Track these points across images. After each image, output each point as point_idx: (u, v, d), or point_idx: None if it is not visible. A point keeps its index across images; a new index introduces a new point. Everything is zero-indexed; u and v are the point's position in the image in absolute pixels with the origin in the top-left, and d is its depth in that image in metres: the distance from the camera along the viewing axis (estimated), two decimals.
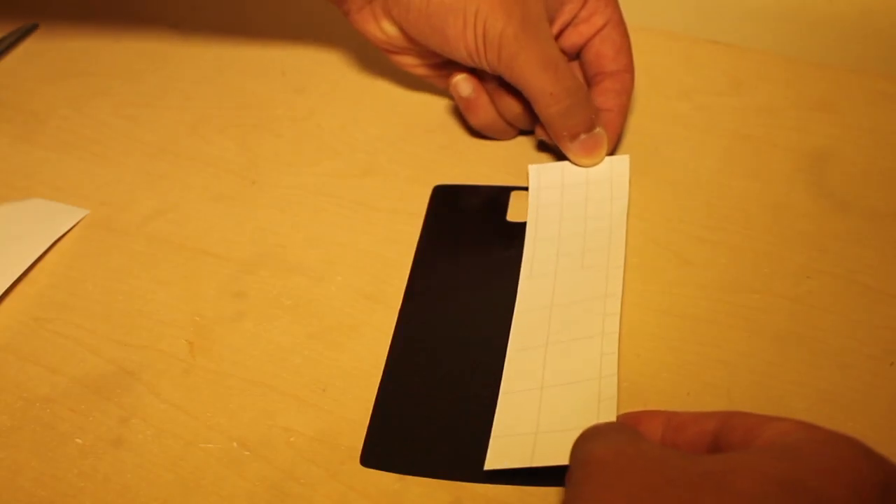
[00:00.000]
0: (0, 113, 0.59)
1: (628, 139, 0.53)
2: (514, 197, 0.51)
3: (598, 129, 0.49)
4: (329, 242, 0.49)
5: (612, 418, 0.38)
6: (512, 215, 0.50)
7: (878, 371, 0.41)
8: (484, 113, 0.52)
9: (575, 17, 0.51)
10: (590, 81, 0.52)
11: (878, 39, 0.60)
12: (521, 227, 0.49)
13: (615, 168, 0.50)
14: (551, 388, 0.41)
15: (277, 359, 0.44)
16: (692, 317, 0.44)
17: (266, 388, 0.43)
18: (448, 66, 0.52)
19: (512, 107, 0.51)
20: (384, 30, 0.51)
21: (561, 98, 0.48)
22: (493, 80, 0.50)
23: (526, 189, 0.50)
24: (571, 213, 0.48)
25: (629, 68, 0.51)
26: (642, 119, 0.55)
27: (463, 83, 0.51)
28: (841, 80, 0.56)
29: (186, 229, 0.51)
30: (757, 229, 0.48)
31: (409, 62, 0.53)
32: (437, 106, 0.57)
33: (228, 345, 0.45)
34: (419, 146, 0.53)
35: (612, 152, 0.50)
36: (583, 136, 0.49)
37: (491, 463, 0.39)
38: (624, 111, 0.51)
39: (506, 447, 0.39)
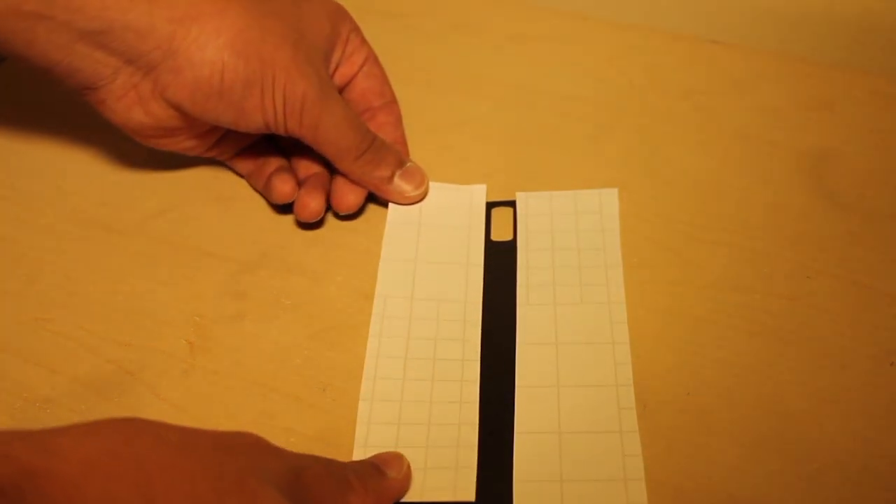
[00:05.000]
0: (0, 112, 0.59)
1: (629, 139, 0.53)
2: (496, 214, 0.50)
3: (409, 163, 0.50)
4: (329, 242, 0.49)
5: (640, 476, 0.38)
6: (496, 234, 0.49)
7: (878, 371, 0.41)
8: (292, 195, 0.50)
9: (339, 62, 0.51)
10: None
11: (878, 39, 0.60)
12: (506, 246, 0.48)
13: (604, 200, 0.50)
14: (570, 434, 0.40)
15: (277, 359, 0.44)
16: (692, 317, 0.44)
17: (266, 388, 0.43)
18: (226, 138, 0.50)
19: (309, 168, 0.51)
20: (152, 112, 0.47)
21: (366, 149, 0.48)
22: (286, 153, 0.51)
23: (505, 204, 0.50)
24: (563, 241, 0.48)
25: (395, 99, 0.52)
26: (642, 119, 0.55)
27: (288, 187, 0.49)
28: (841, 80, 0.56)
29: (186, 229, 0.51)
30: (757, 229, 0.48)
31: (175, 142, 0.50)
32: (436, 106, 0.57)
33: (228, 345, 0.45)
34: (419, 146, 0.53)
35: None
36: (399, 172, 0.49)
37: None
38: (405, 140, 0.52)
39: (532, 493, 0.38)
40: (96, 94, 0.47)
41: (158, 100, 0.46)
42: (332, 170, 0.50)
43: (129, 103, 0.47)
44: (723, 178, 0.51)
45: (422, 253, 0.48)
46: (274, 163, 0.51)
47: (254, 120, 0.47)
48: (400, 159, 0.50)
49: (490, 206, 0.50)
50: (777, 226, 0.48)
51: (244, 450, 0.34)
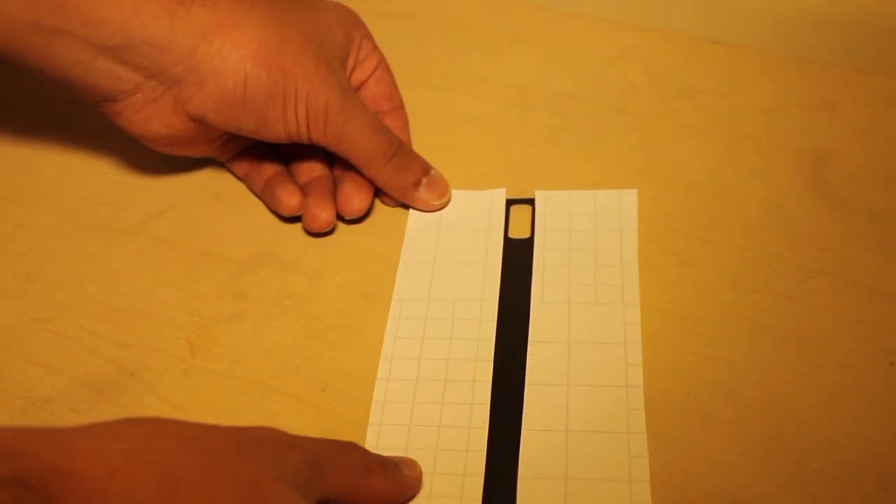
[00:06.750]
0: (0, 113, 0.59)
1: (629, 139, 0.53)
2: (514, 212, 0.50)
3: (433, 170, 0.50)
4: (329, 242, 0.49)
5: (646, 478, 0.38)
6: (513, 231, 0.49)
7: (878, 371, 0.41)
8: (300, 208, 0.49)
9: (352, 68, 0.51)
10: None
11: (877, 39, 0.60)
12: (523, 243, 0.48)
13: (623, 201, 0.49)
14: (577, 433, 0.40)
15: (277, 359, 0.44)
16: (692, 317, 0.44)
17: (266, 388, 0.43)
18: (229, 141, 0.50)
19: (311, 171, 0.50)
20: (170, 124, 0.47)
21: (394, 153, 0.48)
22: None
23: (524, 202, 0.50)
24: (581, 241, 0.48)
25: (403, 104, 0.53)
26: (642, 119, 0.55)
27: (295, 200, 0.49)
28: (841, 80, 0.56)
29: (186, 229, 0.51)
30: (757, 229, 0.48)
31: (187, 150, 0.50)
32: (437, 107, 0.57)
33: (228, 345, 0.45)
34: (420, 146, 0.53)
35: None
36: (425, 180, 0.49)
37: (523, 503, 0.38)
38: (411, 145, 0.52)
39: (536, 489, 0.38)
40: (114, 106, 0.47)
41: (179, 113, 0.46)
42: (333, 173, 0.50)
43: (148, 115, 0.47)
44: (723, 178, 0.51)
45: (441, 256, 0.48)
46: (271, 165, 0.51)
47: (275, 130, 0.47)
48: (425, 166, 0.50)
49: (509, 203, 0.50)
50: (777, 226, 0.48)
51: (262, 447, 0.34)
